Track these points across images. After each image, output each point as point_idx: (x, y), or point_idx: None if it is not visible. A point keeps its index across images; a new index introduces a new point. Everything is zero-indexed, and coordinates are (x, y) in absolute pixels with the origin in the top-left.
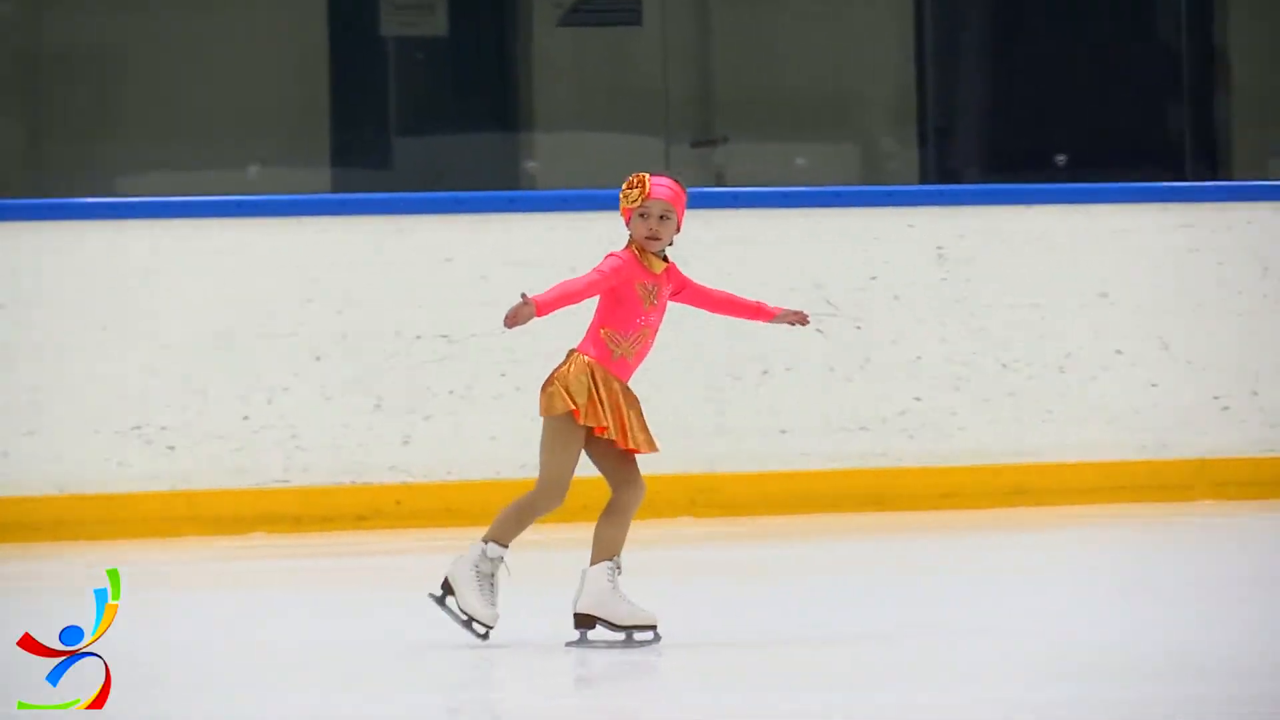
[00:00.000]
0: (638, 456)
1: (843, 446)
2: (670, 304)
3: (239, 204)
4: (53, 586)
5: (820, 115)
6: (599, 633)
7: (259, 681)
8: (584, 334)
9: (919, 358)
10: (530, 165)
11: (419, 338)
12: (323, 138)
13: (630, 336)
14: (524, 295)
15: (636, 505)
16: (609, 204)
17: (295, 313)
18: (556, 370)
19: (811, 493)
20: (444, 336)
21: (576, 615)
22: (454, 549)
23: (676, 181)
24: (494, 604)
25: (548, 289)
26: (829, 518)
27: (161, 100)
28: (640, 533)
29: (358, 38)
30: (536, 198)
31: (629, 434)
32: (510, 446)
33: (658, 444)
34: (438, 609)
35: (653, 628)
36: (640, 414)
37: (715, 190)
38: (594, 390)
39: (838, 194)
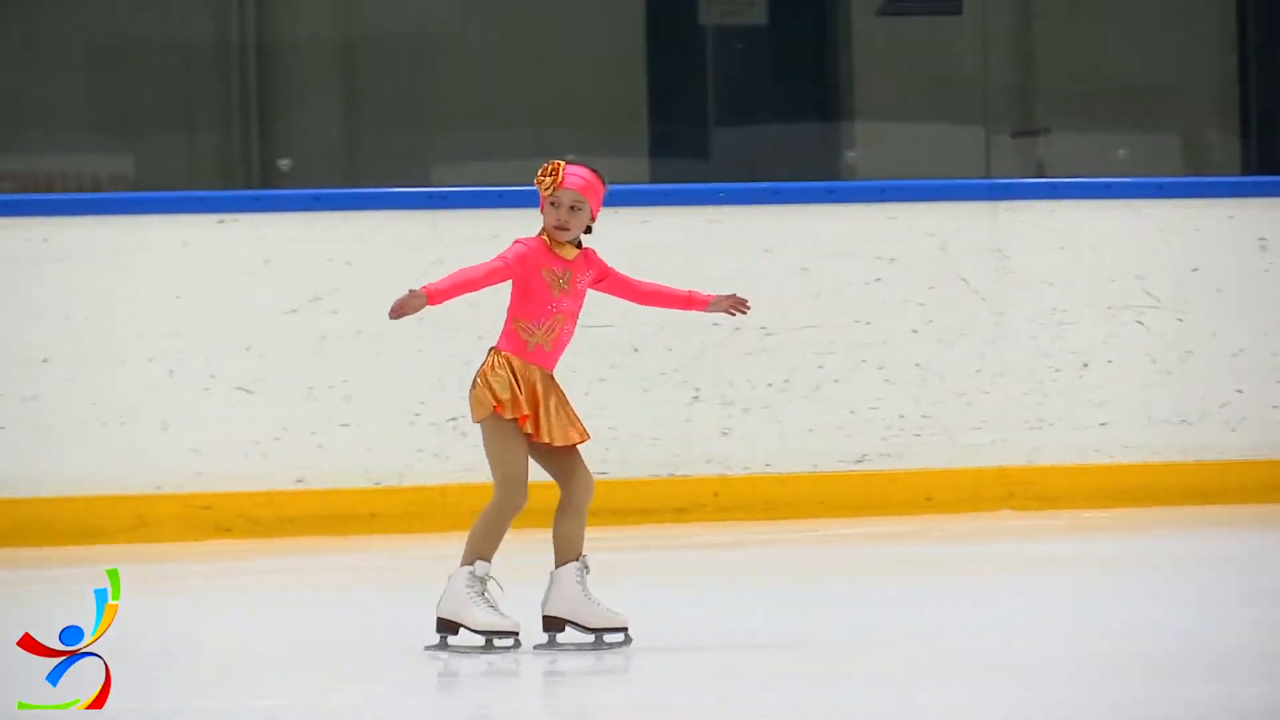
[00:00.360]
0: (580, 448)
1: (1163, 439)
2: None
3: None
4: (365, 580)
5: (1142, 106)
6: (569, 635)
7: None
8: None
9: (1241, 350)
10: (850, 155)
11: (737, 329)
12: (640, 128)
13: (543, 325)
14: (411, 289)
15: (588, 500)
16: (928, 194)
17: (614, 303)
18: (479, 370)
19: (1130, 486)
20: (762, 328)
21: (545, 618)
22: (769, 543)
23: (594, 172)
24: (505, 614)
25: (443, 277)
26: (1147, 511)
27: (478, 89)
28: (960, 525)
29: (676, 27)
30: (855, 188)
31: (544, 427)
32: (829, 439)
33: (585, 433)
34: (459, 650)
35: (623, 630)
36: (564, 403)
37: (1036, 181)
38: (513, 383)
39: (1159, 185)
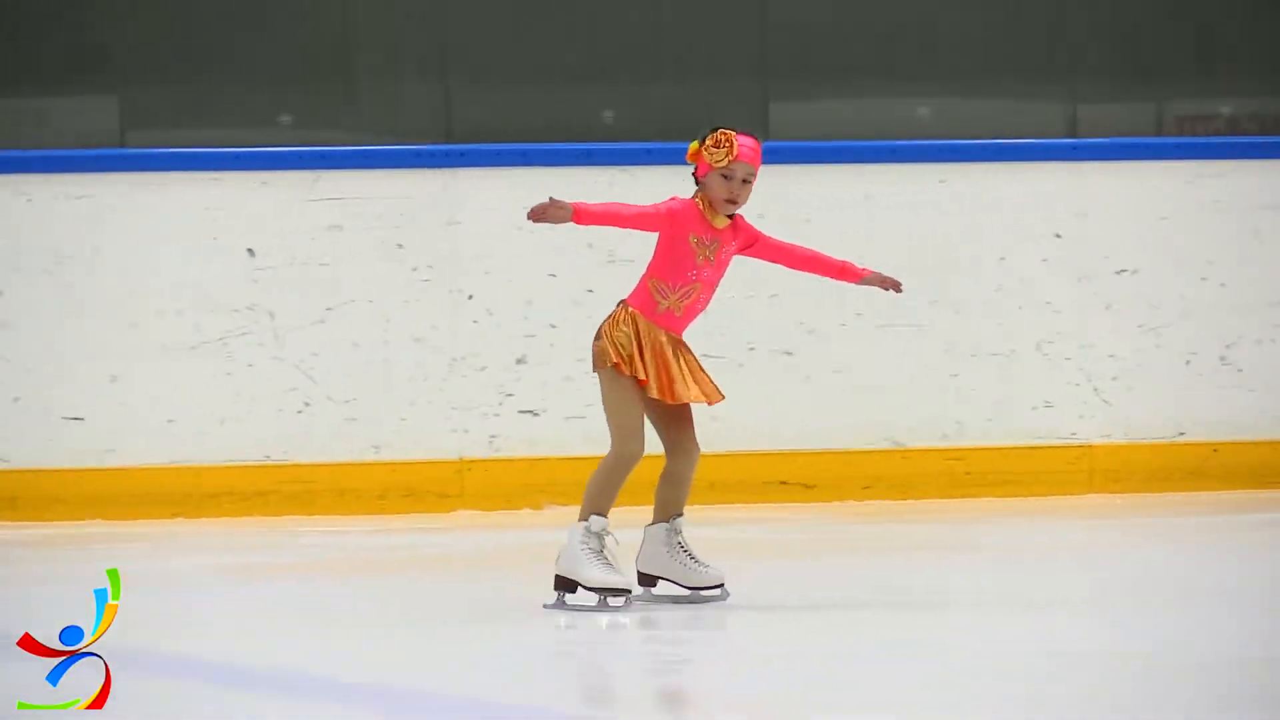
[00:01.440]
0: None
1: None
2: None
3: None
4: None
5: None
6: (664, 589)
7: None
8: (635, 284)
9: None
10: None
11: None
12: None
13: (679, 290)
14: (555, 199)
15: (691, 471)
16: None
17: None
18: (603, 323)
19: None
20: None
21: (639, 574)
22: None
23: (755, 139)
24: (619, 571)
25: (598, 202)
26: None
27: None
28: None
29: None
30: None
31: (672, 387)
32: None
33: (716, 393)
34: (570, 611)
35: (719, 586)
36: (694, 364)
37: None
38: (637, 341)
39: None
